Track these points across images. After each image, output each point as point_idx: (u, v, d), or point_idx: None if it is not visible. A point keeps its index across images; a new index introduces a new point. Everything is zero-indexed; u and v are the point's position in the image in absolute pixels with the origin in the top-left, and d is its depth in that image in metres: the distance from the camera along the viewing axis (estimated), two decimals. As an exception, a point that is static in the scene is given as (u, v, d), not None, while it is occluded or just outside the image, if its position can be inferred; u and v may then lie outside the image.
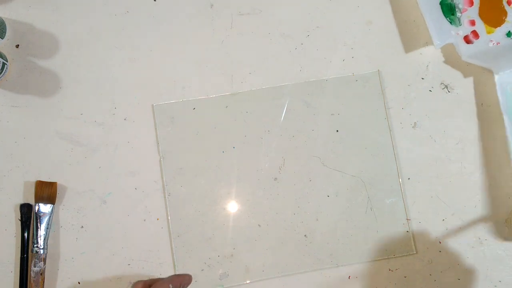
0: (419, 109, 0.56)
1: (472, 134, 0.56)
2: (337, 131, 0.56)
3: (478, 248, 0.55)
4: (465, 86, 0.57)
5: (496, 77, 0.55)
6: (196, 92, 0.56)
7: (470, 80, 0.57)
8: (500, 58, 0.56)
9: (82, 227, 0.54)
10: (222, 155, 0.55)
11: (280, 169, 0.55)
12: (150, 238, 0.54)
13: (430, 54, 0.58)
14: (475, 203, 0.55)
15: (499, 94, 0.54)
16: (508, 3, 0.58)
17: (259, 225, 0.54)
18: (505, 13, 0.58)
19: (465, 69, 0.57)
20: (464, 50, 0.56)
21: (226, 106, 0.56)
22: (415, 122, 0.56)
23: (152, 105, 0.55)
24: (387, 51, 0.57)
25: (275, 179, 0.55)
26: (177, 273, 0.53)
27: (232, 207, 0.54)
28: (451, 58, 0.57)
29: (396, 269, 0.54)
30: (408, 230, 0.55)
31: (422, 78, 0.57)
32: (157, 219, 0.54)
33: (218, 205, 0.54)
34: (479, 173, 0.56)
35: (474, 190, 0.55)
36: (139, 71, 0.56)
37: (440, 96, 0.57)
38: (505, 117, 0.54)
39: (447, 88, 0.57)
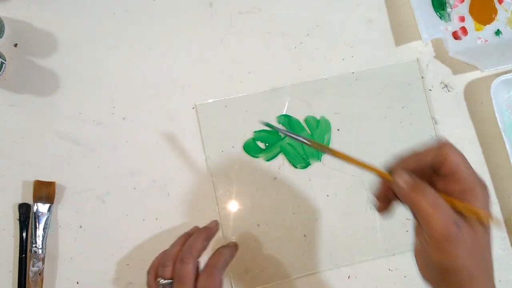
0: (419, 108, 0.56)
1: (472, 133, 0.56)
2: (338, 130, 0.56)
3: (478, 247, 0.55)
4: (464, 85, 0.57)
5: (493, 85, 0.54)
6: (195, 92, 0.56)
7: (470, 79, 0.57)
8: (487, 56, 0.56)
9: (81, 227, 0.54)
10: (221, 154, 0.55)
11: (279, 168, 0.55)
12: (149, 238, 0.54)
13: (430, 54, 0.57)
14: (475, 202, 0.55)
15: (492, 95, 0.54)
16: (499, 2, 0.58)
17: (258, 225, 0.54)
18: (495, 11, 0.58)
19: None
20: (452, 46, 0.56)
21: (225, 106, 0.55)
22: (415, 121, 0.56)
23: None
24: (387, 50, 0.57)
25: (275, 178, 0.55)
26: None
27: (232, 206, 0.54)
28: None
29: (396, 269, 0.54)
30: (408, 229, 0.54)
31: (422, 77, 0.57)
32: (156, 219, 0.54)
33: (218, 205, 0.54)
34: (479, 173, 0.56)
35: (474, 189, 0.55)
36: (138, 70, 0.56)
37: (440, 95, 0.57)
38: (498, 116, 0.54)
39: (447, 87, 0.57)
